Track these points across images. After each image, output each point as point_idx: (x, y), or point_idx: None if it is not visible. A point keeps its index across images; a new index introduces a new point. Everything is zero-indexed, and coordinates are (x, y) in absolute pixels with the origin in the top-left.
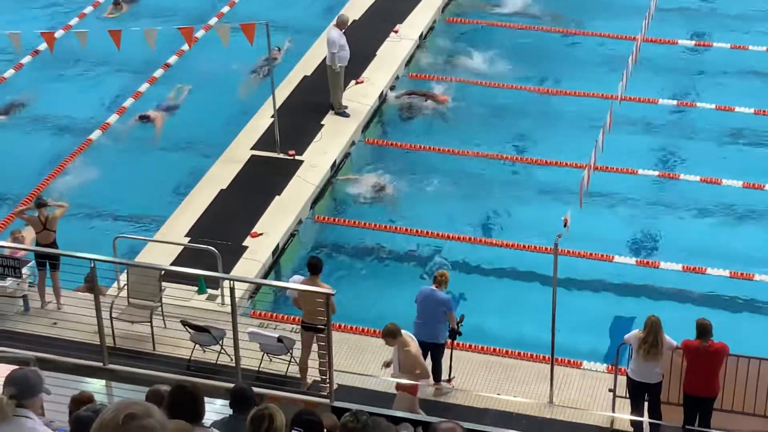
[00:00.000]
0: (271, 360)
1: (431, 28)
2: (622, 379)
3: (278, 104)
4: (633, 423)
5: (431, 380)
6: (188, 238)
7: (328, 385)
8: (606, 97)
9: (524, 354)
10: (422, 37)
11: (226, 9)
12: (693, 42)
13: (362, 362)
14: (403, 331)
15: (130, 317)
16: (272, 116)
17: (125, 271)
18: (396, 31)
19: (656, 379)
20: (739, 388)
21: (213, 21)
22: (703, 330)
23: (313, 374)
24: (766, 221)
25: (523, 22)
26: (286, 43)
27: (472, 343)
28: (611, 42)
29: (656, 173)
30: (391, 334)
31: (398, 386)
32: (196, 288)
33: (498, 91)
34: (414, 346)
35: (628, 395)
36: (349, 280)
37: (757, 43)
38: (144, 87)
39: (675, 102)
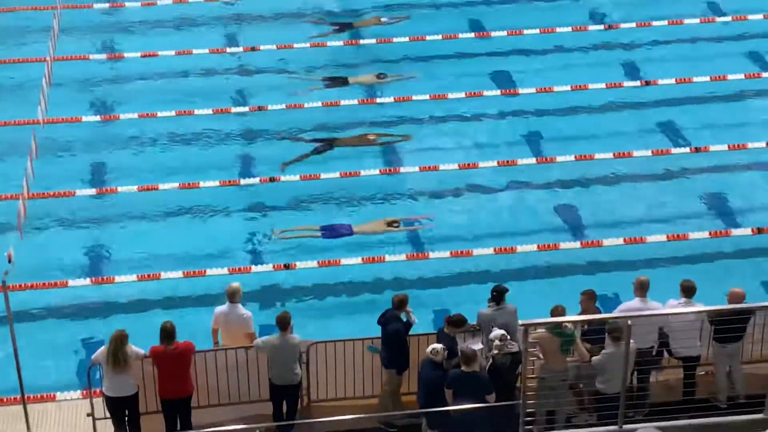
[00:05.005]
0: None
1: None
2: (99, 401)
3: None
4: None
5: None
6: None
7: None
8: (28, 123)
9: None
10: None
11: None
12: (105, 55)
13: None
14: None
15: None
16: None
17: None
18: None
19: (131, 392)
20: (212, 381)
21: None
22: (166, 334)
23: None
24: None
25: None
26: None
27: None
28: (20, 67)
29: (94, 191)
30: None
31: None
32: None
33: None
34: None
35: (108, 414)
36: None
37: (165, 48)
38: None
39: (99, 117)
